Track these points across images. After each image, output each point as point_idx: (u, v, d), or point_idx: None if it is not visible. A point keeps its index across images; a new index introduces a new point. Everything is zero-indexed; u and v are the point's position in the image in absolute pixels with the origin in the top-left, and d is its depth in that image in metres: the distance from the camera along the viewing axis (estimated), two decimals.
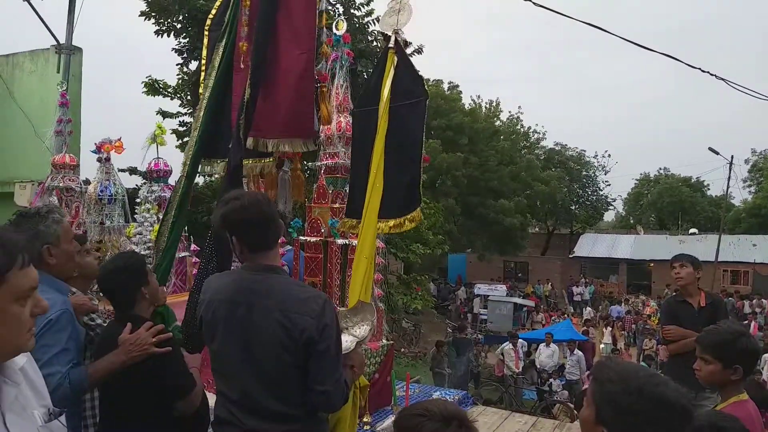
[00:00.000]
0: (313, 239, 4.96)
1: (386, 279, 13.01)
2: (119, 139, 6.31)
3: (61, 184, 6.62)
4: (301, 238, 5.05)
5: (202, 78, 4.08)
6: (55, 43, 8.95)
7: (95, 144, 6.28)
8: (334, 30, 4.85)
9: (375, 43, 14.30)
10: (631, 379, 1.55)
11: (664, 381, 1.57)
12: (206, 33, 4.33)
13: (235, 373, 2.25)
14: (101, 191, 6.21)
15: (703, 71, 5.01)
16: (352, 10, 13.71)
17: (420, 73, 3.45)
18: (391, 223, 3.48)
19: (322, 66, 4.37)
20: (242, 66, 3.91)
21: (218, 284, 2.42)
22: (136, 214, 5.94)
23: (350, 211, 3.86)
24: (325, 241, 4.91)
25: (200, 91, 4.10)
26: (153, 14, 10.69)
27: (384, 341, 5.15)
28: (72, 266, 2.55)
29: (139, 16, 10.98)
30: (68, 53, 8.70)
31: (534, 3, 3.65)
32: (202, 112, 3.82)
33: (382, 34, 3.57)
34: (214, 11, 4.48)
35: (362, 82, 10.93)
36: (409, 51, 3.73)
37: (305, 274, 4.97)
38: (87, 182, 6.77)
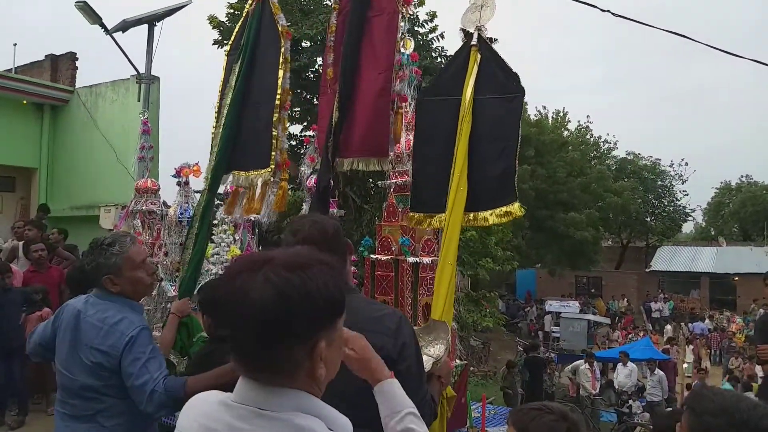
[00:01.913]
0: (384, 258, 4.96)
1: (455, 296, 12.87)
2: (197, 164, 6.56)
3: (143, 208, 6.91)
4: (372, 256, 5.07)
5: (218, 98, 4.16)
6: (135, 73, 9.44)
7: (175, 169, 6.55)
8: (402, 49, 4.88)
9: (439, 60, 14.30)
10: (734, 412, 1.45)
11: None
12: (225, 57, 4.43)
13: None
14: (181, 214, 6.45)
15: None
16: (416, 28, 13.80)
17: (514, 70, 3.31)
18: (470, 216, 3.29)
19: (402, 88, 4.40)
20: (329, 91, 4.01)
21: None
22: (213, 235, 6.13)
23: (415, 204, 3.69)
24: (396, 260, 4.90)
25: (215, 110, 4.19)
26: (225, 42, 11.13)
27: (458, 361, 5.08)
28: (142, 289, 2.66)
29: (213, 44, 11.49)
30: (147, 82, 9.14)
31: (612, 13, 3.53)
32: (220, 129, 3.91)
33: (463, 30, 3.50)
34: (233, 37, 4.59)
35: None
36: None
37: (376, 292, 4.98)
38: (167, 205, 7.04)
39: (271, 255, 1.12)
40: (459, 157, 3.15)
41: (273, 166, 3.65)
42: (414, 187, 3.87)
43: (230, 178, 3.98)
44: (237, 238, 6.08)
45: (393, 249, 4.96)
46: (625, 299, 30.09)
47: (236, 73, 3.91)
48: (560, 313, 24.88)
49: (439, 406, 2.50)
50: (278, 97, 3.66)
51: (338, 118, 3.58)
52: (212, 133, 4.09)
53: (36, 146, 12.31)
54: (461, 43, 3.53)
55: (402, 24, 3.88)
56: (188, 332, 3.11)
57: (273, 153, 3.66)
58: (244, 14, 4.34)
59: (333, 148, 3.61)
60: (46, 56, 13.08)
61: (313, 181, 5.48)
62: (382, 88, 3.68)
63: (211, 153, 4.03)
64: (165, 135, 10.56)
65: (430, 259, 4.97)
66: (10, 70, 12.88)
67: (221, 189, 4.35)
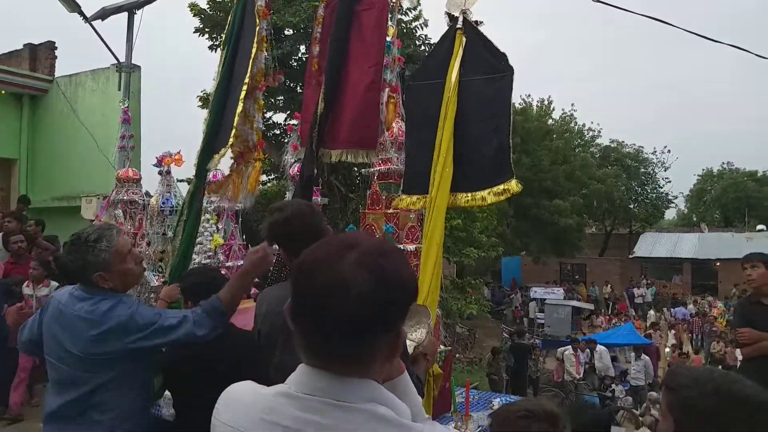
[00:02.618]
0: None
1: (441, 284, 12.93)
2: (179, 152, 6.50)
3: (125, 198, 6.84)
4: None
5: (213, 87, 4.16)
6: (115, 62, 9.30)
7: (156, 158, 6.49)
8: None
9: (422, 48, 14.28)
10: (707, 381, 1.49)
11: (740, 379, 1.51)
12: (220, 50, 4.42)
13: None
14: (163, 203, 6.40)
15: None
16: (400, 16, 13.75)
17: (501, 50, 3.34)
18: (469, 196, 3.34)
19: (392, 78, 4.40)
20: (314, 82, 4.01)
21: (274, 296, 2.45)
22: None
23: (407, 186, 3.76)
24: None
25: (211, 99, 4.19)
26: (207, 30, 11.01)
27: (442, 347, 5.11)
28: (132, 280, 2.63)
29: (194, 32, 11.37)
30: (128, 71, 9.02)
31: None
32: (207, 116, 3.94)
33: (448, 14, 3.53)
34: (226, 30, 4.58)
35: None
36: None
37: None
38: (149, 195, 6.98)
39: (355, 239, 1.06)
40: (444, 139, 3.18)
41: (231, 142, 3.62)
42: (406, 170, 3.93)
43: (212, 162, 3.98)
44: (220, 227, 6.04)
45: (377, 236, 4.98)
46: (609, 285, 30.35)
47: (221, 61, 3.91)
48: (545, 299, 25.09)
49: (425, 385, 2.51)
50: (247, 74, 3.63)
51: (323, 109, 3.60)
52: (204, 120, 4.09)
53: (15, 137, 12.14)
54: (446, 28, 3.56)
55: (391, 18, 3.89)
56: None
57: (233, 129, 3.63)
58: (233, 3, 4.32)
59: (317, 138, 3.63)
60: (24, 45, 12.83)
61: (296, 169, 5.47)
62: (372, 81, 3.72)
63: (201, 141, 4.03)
64: (146, 124, 10.45)
65: (414, 246, 4.99)
66: None
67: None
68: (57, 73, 12.56)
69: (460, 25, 3.44)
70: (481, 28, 3.43)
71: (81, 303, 2.39)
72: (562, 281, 32.61)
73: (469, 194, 3.31)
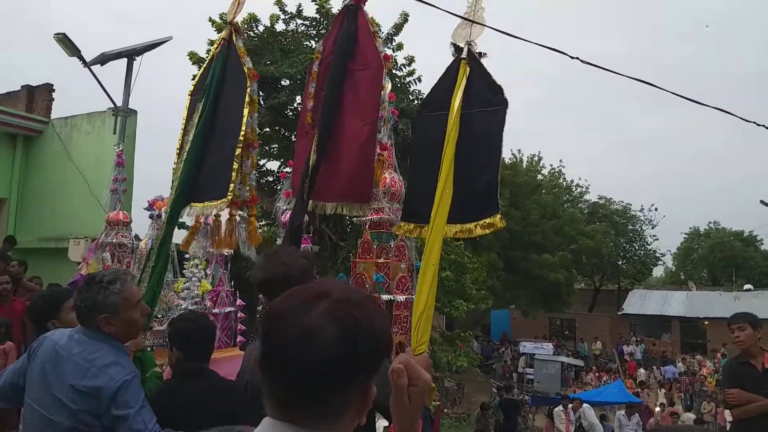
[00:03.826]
0: None
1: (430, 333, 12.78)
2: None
3: (114, 240, 6.81)
4: None
5: (180, 135, 4.25)
6: (111, 105, 9.40)
7: (148, 201, 6.50)
8: None
9: (416, 102, 14.57)
10: None
11: None
12: (188, 96, 4.54)
13: None
14: (152, 247, 6.36)
15: (759, 125, 4.87)
16: (394, 71, 14.08)
17: (498, 83, 3.41)
18: (458, 227, 3.35)
19: (383, 135, 4.51)
20: (309, 135, 4.09)
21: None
22: (185, 269, 6.05)
23: (406, 214, 3.78)
24: (371, 297, 4.89)
25: (177, 146, 4.27)
26: None
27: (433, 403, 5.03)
28: (135, 331, 2.57)
29: (192, 80, 11.51)
30: (124, 115, 9.13)
31: (581, 60, 3.66)
32: (182, 164, 3.99)
33: (454, 45, 3.61)
34: (197, 78, 4.69)
35: (403, 140, 11.10)
36: None
37: None
38: (138, 238, 6.96)
39: (327, 288, 1.04)
40: (445, 165, 3.21)
41: (230, 197, 3.70)
42: (407, 197, 3.99)
43: (188, 210, 4.01)
44: (209, 273, 6.01)
45: (367, 286, 4.95)
46: (598, 341, 30.16)
47: (200, 111, 3.99)
48: (534, 354, 24.85)
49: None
50: (242, 133, 3.75)
51: (315, 161, 3.65)
52: (173, 168, 4.15)
53: (7, 176, 12.09)
54: (452, 59, 3.62)
55: (386, 80, 4.01)
56: (141, 367, 3.05)
57: (231, 185, 3.71)
58: (209, 57, 4.47)
59: (309, 189, 3.68)
60: (22, 87, 12.95)
61: (287, 216, 5.50)
62: (367, 139, 3.81)
63: (171, 188, 4.08)
64: (140, 169, 10.48)
65: (404, 296, 4.97)
66: None
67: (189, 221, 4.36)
68: (53, 115, 12.64)
69: (464, 55, 3.51)
70: (484, 61, 3.49)
71: (79, 347, 2.32)
72: (552, 336, 32.40)
73: (459, 225, 3.34)
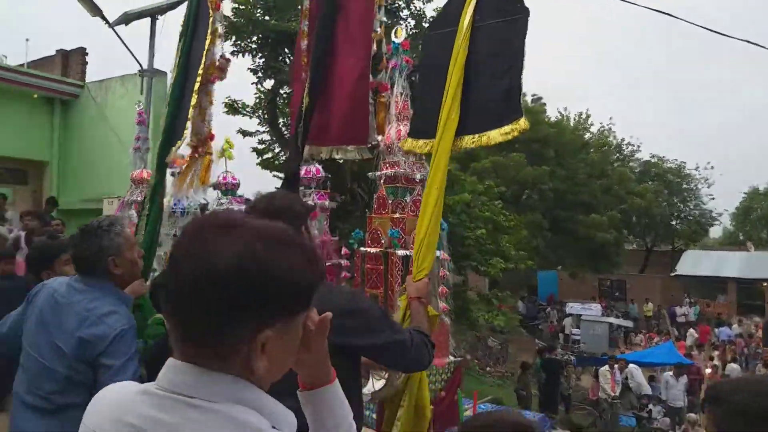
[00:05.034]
0: (374, 250, 4.80)
1: (465, 295, 12.58)
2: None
3: (138, 198, 6.83)
4: (362, 249, 4.91)
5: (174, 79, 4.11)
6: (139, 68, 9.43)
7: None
8: (393, 37, 4.73)
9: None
10: (753, 384, 1.36)
11: None
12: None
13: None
14: (174, 205, 6.33)
15: None
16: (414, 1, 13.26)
17: None
18: (475, 137, 3.17)
19: (382, 76, 4.29)
20: (303, 76, 3.92)
21: None
22: None
23: (413, 131, 3.61)
24: (386, 252, 4.74)
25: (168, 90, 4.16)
26: (230, 36, 11.13)
27: (451, 358, 4.91)
28: (136, 271, 2.65)
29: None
30: (150, 76, 9.11)
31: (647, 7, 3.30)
32: (166, 108, 3.89)
33: None
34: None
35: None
36: None
37: (366, 285, 4.82)
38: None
39: (246, 220, 0.98)
40: (452, 86, 3.07)
41: (186, 137, 3.55)
42: (414, 115, 3.83)
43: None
44: None
45: (383, 241, 4.80)
46: (649, 303, 29.35)
47: (178, 53, 3.83)
48: (581, 315, 24.42)
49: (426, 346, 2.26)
50: (201, 66, 3.56)
51: (308, 104, 3.47)
52: (163, 114, 4.07)
53: (47, 140, 12.43)
54: None
55: (378, 9, 3.76)
56: (143, 314, 3.01)
57: (188, 122, 3.56)
58: None
59: (303, 133, 3.49)
60: (57, 51, 13.18)
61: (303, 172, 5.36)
62: (360, 75, 3.65)
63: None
64: None
65: None
66: (22, 65, 12.97)
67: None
68: (87, 79, 12.86)
69: None
70: None
71: (80, 296, 2.31)
72: (601, 297, 31.71)
73: (476, 136, 3.16)
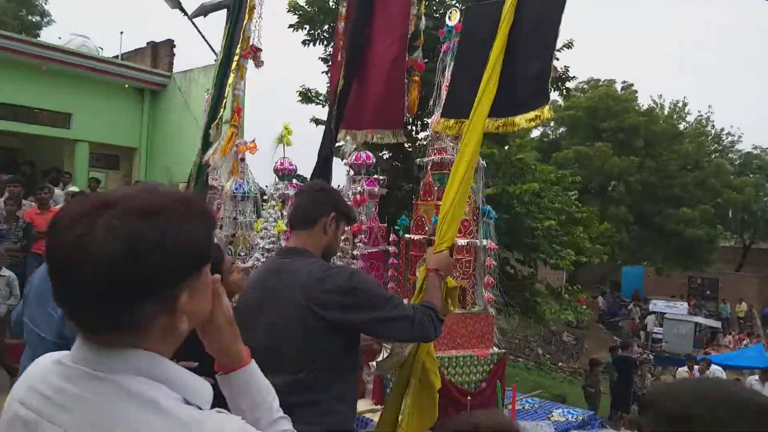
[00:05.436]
0: (417, 237, 4.81)
1: (533, 288, 12.31)
2: (253, 141, 6.69)
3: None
4: (407, 236, 4.94)
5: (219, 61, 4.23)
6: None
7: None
8: (447, 21, 4.69)
9: None
10: (687, 387, 1.26)
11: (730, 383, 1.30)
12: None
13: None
14: (236, 189, 6.60)
15: None
16: None
17: None
18: (500, 122, 3.15)
19: (417, 55, 4.26)
20: (339, 58, 3.97)
21: (255, 273, 2.44)
22: (263, 210, 6.23)
23: (447, 111, 3.58)
24: (429, 240, 4.74)
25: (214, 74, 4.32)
26: (303, 27, 11.29)
27: (495, 349, 4.85)
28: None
29: (288, 27, 11.72)
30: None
31: None
32: (213, 89, 3.96)
33: None
34: None
35: None
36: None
37: (409, 272, 4.85)
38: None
39: (114, 197, 0.94)
40: (492, 57, 3.02)
41: (223, 110, 3.68)
42: (449, 93, 3.75)
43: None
44: (284, 213, 6.13)
45: (426, 228, 4.80)
46: (743, 303, 27.49)
47: (225, 33, 3.98)
48: (665, 313, 23.29)
49: (434, 323, 2.30)
50: (238, 45, 3.67)
51: (343, 87, 3.51)
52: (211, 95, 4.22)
53: (137, 127, 13.28)
54: None
55: None
56: None
57: (225, 99, 3.69)
58: None
59: (337, 117, 3.56)
60: (147, 43, 14.01)
61: (353, 158, 5.45)
62: (395, 58, 3.62)
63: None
64: (255, 116, 10.88)
65: (466, 240, 4.75)
66: (117, 57, 13.92)
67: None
68: (175, 69, 13.59)
69: None
70: None
71: None
72: (690, 296, 30.02)
73: (501, 119, 3.13)
